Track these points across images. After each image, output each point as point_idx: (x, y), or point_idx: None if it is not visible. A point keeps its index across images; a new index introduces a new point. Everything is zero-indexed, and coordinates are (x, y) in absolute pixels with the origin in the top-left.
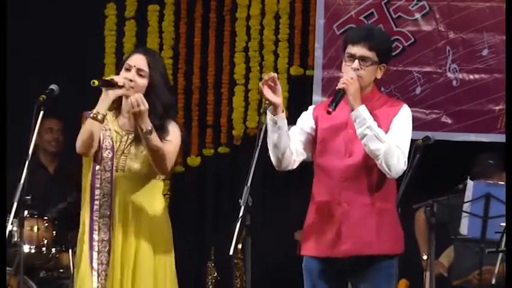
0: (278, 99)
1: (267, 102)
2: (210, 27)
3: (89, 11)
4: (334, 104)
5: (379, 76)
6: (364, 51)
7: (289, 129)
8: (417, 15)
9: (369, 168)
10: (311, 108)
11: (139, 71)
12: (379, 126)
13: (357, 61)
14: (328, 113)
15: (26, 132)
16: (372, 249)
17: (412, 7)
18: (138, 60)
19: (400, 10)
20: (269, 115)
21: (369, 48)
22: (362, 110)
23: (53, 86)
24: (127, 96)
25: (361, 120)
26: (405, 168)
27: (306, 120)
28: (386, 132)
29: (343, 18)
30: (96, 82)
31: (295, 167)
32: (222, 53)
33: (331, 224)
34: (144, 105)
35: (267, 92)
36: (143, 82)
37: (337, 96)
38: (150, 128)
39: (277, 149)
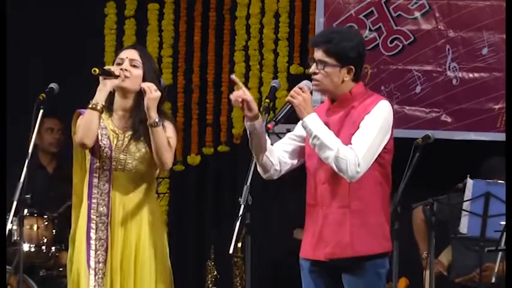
0: (250, 113)
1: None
2: (209, 25)
3: (89, 10)
4: (276, 119)
5: (346, 78)
6: (320, 55)
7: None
8: (417, 14)
9: None
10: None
11: (132, 61)
12: (352, 125)
13: (314, 65)
14: (267, 129)
15: (25, 131)
16: (347, 252)
17: (412, 6)
18: (129, 53)
19: (400, 9)
20: (246, 122)
21: (325, 51)
22: (308, 121)
23: (53, 85)
24: (125, 92)
25: (308, 131)
26: (360, 171)
27: (298, 127)
28: (356, 130)
29: (343, 16)
30: (97, 70)
31: (275, 177)
32: (221, 52)
33: (315, 227)
34: (158, 92)
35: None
36: (138, 72)
37: (282, 110)
38: (158, 120)
39: (254, 153)
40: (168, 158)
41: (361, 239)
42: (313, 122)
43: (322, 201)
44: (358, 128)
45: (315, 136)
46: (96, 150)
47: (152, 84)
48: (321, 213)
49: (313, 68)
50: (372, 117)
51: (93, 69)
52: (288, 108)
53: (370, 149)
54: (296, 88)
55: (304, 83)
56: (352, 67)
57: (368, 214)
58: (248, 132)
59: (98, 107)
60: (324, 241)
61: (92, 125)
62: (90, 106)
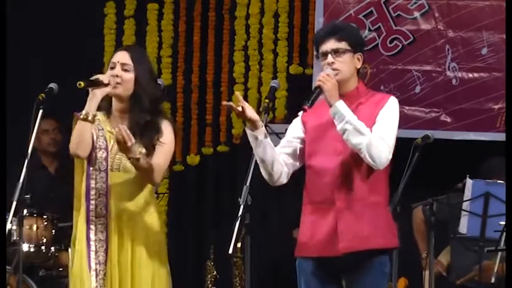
0: (254, 115)
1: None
2: (209, 25)
3: (89, 9)
4: (310, 101)
5: (358, 65)
6: (333, 44)
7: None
8: (416, 14)
9: (358, 164)
10: (301, 112)
11: (123, 66)
12: (365, 119)
13: (330, 55)
14: (304, 110)
15: (25, 131)
16: (369, 243)
17: (412, 6)
18: (121, 56)
19: (399, 9)
20: (248, 132)
21: (338, 39)
22: (339, 106)
23: (52, 85)
24: (119, 97)
25: (340, 116)
26: (390, 157)
27: (294, 128)
28: (372, 125)
29: (342, 16)
30: (82, 84)
31: (285, 180)
32: (221, 52)
33: (326, 223)
34: (131, 141)
35: (242, 113)
36: (129, 76)
37: (313, 94)
38: (137, 156)
39: (265, 163)
40: (156, 179)
41: (380, 232)
42: (343, 108)
43: (335, 197)
44: (374, 121)
45: (348, 121)
46: (92, 157)
47: (126, 132)
48: (334, 210)
49: (329, 59)
50: (388, 111)
51: (78, 83)
52: (317, 92)
53: (393, 140)
54: (324, 73)
55: (330, 71)
56: (361, 54)
57: (382, 206)
58: (258, 143)
59: (89, 117)
60: (340, 236)
61: (84, 136)
62: (81, 117)
